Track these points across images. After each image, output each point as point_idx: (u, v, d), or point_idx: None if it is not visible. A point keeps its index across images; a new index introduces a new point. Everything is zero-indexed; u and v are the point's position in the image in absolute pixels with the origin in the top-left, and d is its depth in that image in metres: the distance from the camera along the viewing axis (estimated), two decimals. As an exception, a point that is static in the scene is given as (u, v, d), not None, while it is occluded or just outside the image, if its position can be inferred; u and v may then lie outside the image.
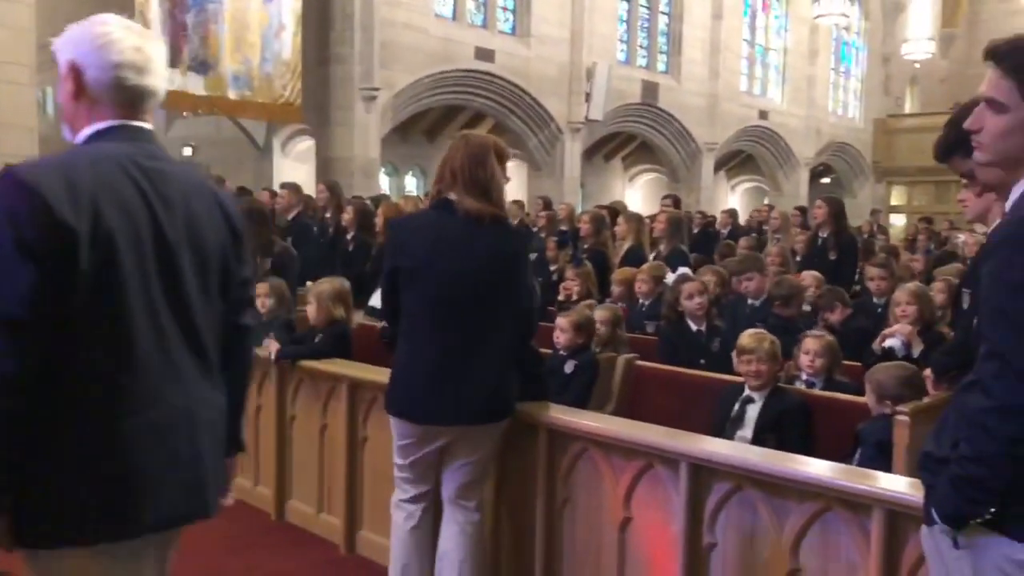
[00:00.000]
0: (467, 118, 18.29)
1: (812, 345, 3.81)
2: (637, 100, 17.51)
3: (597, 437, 2.82)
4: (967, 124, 1.80)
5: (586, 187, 19.07)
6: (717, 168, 20.40)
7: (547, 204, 11.13)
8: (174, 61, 11.10)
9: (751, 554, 2.50)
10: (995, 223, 2.75)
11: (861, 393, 3.58)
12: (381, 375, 3.83)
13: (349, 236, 6.27)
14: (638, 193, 21.88)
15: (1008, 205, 1.76)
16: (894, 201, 23.80)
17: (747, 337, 3.46)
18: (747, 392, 3.44)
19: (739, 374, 3.53)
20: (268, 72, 12.14)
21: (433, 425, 2.83)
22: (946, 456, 1.69)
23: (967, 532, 1.64)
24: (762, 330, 3.59)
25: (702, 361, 4.53)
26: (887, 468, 2.85)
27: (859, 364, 4.10)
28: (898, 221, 22.54)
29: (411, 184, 18.86)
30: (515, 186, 18.43)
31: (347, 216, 6.30)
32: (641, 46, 17.98)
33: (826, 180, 23.57)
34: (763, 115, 20.57)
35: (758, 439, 3.35)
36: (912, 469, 2.70)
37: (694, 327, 4.54)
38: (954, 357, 2.77)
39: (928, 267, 7.86)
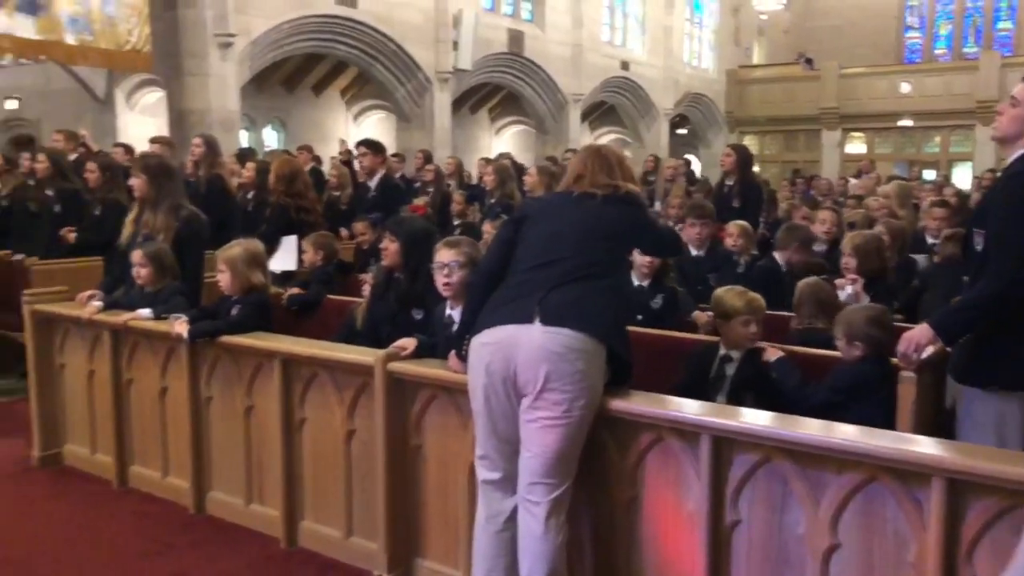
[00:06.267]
0: (328, 67, 17.40)
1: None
2: (504, 49, 17.16)
3: (602, 411, 2.57)
4: None
5: (452, 140, 18.63)
6: (582, 120, 20.45)
7: (428, 158, 10.69)
8: (-2, -1, 9.80)
9: (782, 530, 2.34)
10: (1018, 152, 2.70)
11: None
12: (321, 349, 3.44)
13: (249, 195, 5.67)
14: (506, 145, 21.62)
15: None
16: (746, 150, 24.78)
17: (735, 297, 3.29)
18: (724, 351, 3.30)
19: (713, 335, 3.38)
20: (111, 14, 10.91)
21: None
22: None
23: None
24: (738, 287, 3.44)
25: (639, 317, 4.39)
26: (859, 414, 2.76)
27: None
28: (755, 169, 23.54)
29: (270, 138, 17.77)
30: (383, 139, 17.74)
31: (248, 174, 5.68)
32: (506, -8, 17.61)
33: (683, 131, 24.18)
34: (625, 66, 20.72)
35: (736, 398, 3.23)
36: (918, 427, 2.64)
37: (636, 282, 4.37)
38: (963, 314, 2.65)
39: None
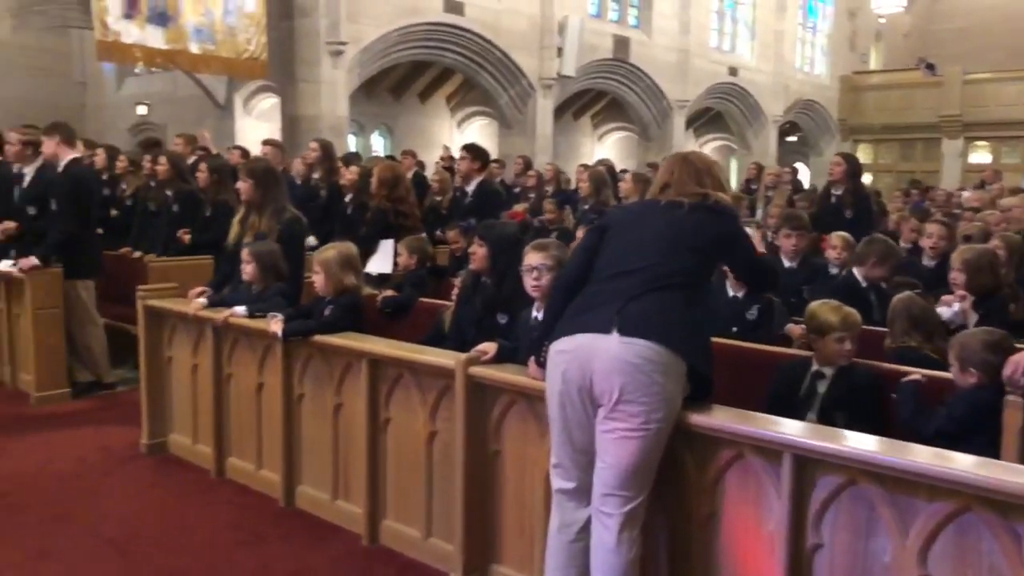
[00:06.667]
0: (435, 74, 17.74)
1: None
2: (608, 55, 17.09)
3: (680, 425, 2.52)
4: None
5: (555, 146, 18.68)
6: (686, 126, 20.14)
7: (528, 164, 10.75)
8: (131, 12, 10.42)
9: (867, 557, 2.22)
10: None
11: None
12: (405, 351, 3.50)
13: (348, 199, 5.82)
14: (608, 152, 21.53)
15: None
16: (861, 159, 23.78)
17: (830, 312, 3.17)
18: (816, 367, 3.17)
19: (807, 349, 3.26)
20: (232, 25, 11.47)
21: None
22: None
23: None
24: (833, 301, 3.31)
25: (734, 329, 4.28)
26: (974, 444, 2.60)
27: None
28: (865, 179, 22.58)
29: (377, 143, 18.26)
30: (485, 145, 17.95)
31: (349, 176, 5.84)
32: (612, -1, 17.53)
33: (793, 138, 23.46)
34: (733, 71, 20.29)
35: (827, 417, 3.11)
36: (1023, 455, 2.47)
37: (731, 292, 4.27)
38: None
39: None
